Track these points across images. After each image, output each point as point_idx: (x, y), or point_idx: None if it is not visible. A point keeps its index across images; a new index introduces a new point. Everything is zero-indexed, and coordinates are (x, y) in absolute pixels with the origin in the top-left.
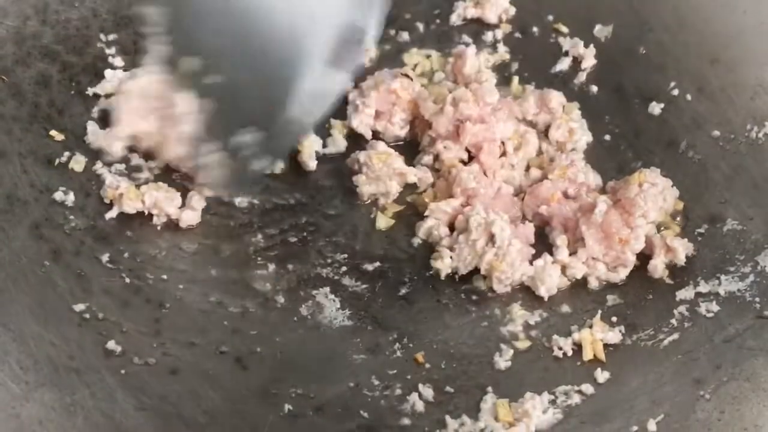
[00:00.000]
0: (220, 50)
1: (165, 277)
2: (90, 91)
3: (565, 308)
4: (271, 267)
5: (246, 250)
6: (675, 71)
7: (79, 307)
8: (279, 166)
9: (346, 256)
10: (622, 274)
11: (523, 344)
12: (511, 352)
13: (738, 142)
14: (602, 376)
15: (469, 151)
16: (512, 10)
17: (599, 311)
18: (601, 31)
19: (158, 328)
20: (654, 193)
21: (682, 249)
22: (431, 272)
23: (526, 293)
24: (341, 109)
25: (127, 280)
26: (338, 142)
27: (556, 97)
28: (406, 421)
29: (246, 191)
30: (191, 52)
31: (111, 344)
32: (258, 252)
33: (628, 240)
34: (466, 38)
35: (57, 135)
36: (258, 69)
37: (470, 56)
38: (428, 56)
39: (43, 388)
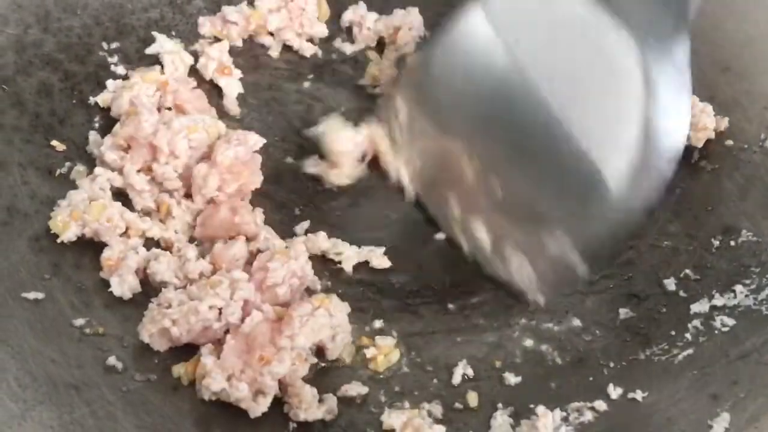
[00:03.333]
0: (497, 151)
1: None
2: (92, 100)
3: (576, 322)
4: None
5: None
6: None
7: (79, 321)
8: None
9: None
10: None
11: (533, 359)
12: (522, 367)
13: (752, 152)
14: (615, 392)
15: None
16: None
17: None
18: None
19: (161, 344)
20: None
21: None
22: (438, 285)
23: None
24: None
25: (129, 294)
26: None
27: None
28: None
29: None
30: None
31: (112, 360)
32: None
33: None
34: None
35: (58, 145)
36: (553, 169)
37: None
38: None
39: (41, 406)
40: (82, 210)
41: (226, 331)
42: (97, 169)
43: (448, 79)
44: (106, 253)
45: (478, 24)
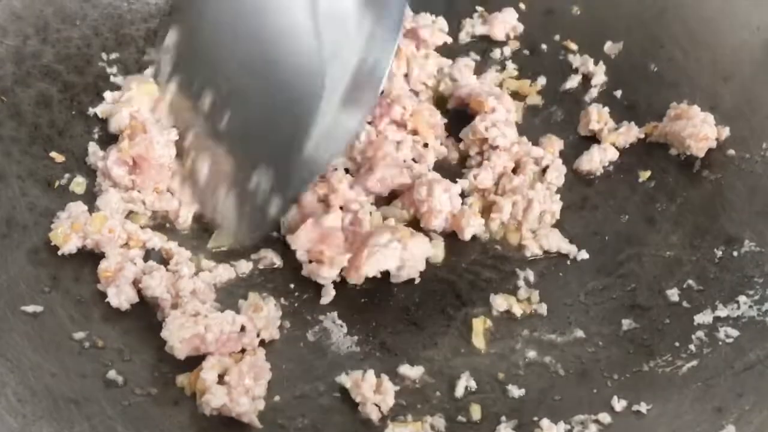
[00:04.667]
0: (233, 87)
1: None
2: (91, 111)
3: (579, 333)
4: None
5: (253, 272)
6: (687, 88)
7: (79, 335)
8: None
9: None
10: None
11: (536, 372)
12: (525, 380)
13: (754, 161)
14: (619, 404)
15: None
16: (520, 27)
17: (614, 336)
18: (611, 48)
19: (161, 356)
20: None
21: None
22: (440, 298)
23: (538, 318)
24: None
25: (126, 305)
26: None
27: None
28: None
29: (261, 236)
30: (204, 84)
31: (112, 374)
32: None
33: None
34: (474, 56)
35: (57, 156)
36: (272, 107)
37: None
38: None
39: (41, 421)
40: (83, 222)
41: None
42: (111, 191)
43: (204, 24)
44: (102, 265)
45: None
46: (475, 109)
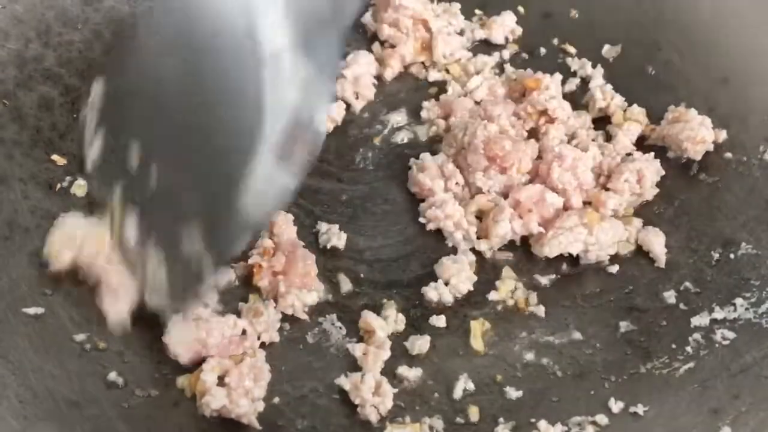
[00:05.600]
0: (162, 138)
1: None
2: None
3: (577, 335)
4: None
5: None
6: (685, 91)
7: (80, 337)
8: (226, 277)
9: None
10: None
11: (534, 373)
12: (522, 381)
13: (751, 164)
14: (616, 406)
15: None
16: (519, 31)
17: (611, 338)
18: (609, 51)
19: (161, 358)
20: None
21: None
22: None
23: (536, 320)
24: None
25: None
26: None
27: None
28: None
29: (194, 303)
30: (128, 138)
31: (112, 375)
32: None
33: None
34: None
35: (59, 159)
36: (201, 163)
37: None
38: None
39: (42, 422)
40: (78, 244)
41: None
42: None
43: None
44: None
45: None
46: (531, 86)
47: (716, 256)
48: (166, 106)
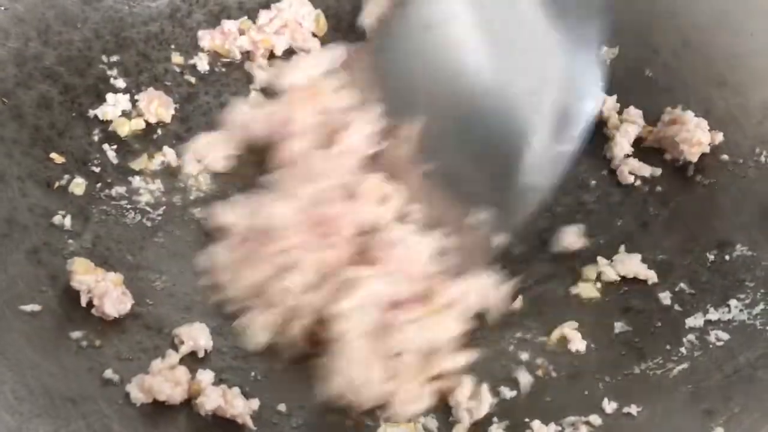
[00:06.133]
0: (441, 134)
1: (165, 302)
2: (91, 113)
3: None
4: None
5: None
6: (682, 94)
7: (76, 334)
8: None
9: None
10: None
11: (527, 373)
12: (516, 381)
13: (747, 166)
14: (610, 406)
15: None
16: None
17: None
18: (606, 53)
19: (157, 355)
20: None
21: None
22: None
23: (531, 321)
24: None
25: (126, 306)
26: None
27: None
28: None
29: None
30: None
31: (108, 373)
32: None
33: None
34: None
35: (57, 158)
36: (482, 148)
37: None
38: None
39: (38, 419)
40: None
41: None
42: None
43: (402, 57)
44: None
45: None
46: None
47: (711, 257)
48: (444, 100)
